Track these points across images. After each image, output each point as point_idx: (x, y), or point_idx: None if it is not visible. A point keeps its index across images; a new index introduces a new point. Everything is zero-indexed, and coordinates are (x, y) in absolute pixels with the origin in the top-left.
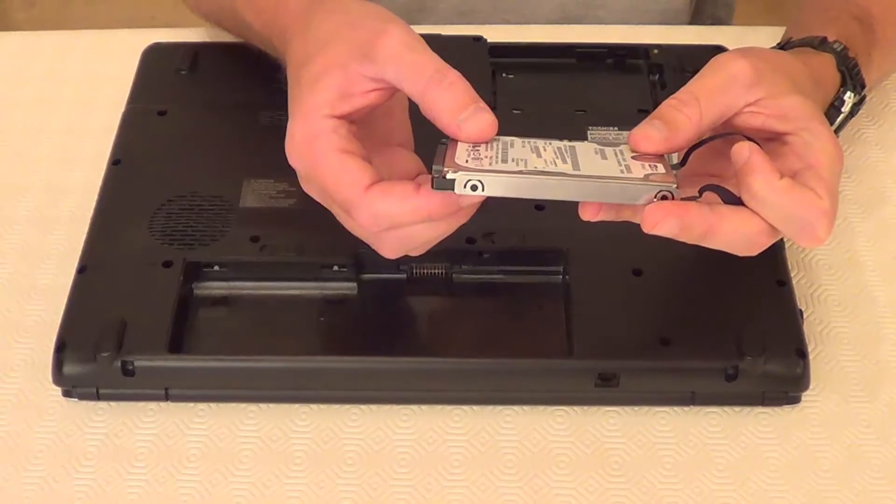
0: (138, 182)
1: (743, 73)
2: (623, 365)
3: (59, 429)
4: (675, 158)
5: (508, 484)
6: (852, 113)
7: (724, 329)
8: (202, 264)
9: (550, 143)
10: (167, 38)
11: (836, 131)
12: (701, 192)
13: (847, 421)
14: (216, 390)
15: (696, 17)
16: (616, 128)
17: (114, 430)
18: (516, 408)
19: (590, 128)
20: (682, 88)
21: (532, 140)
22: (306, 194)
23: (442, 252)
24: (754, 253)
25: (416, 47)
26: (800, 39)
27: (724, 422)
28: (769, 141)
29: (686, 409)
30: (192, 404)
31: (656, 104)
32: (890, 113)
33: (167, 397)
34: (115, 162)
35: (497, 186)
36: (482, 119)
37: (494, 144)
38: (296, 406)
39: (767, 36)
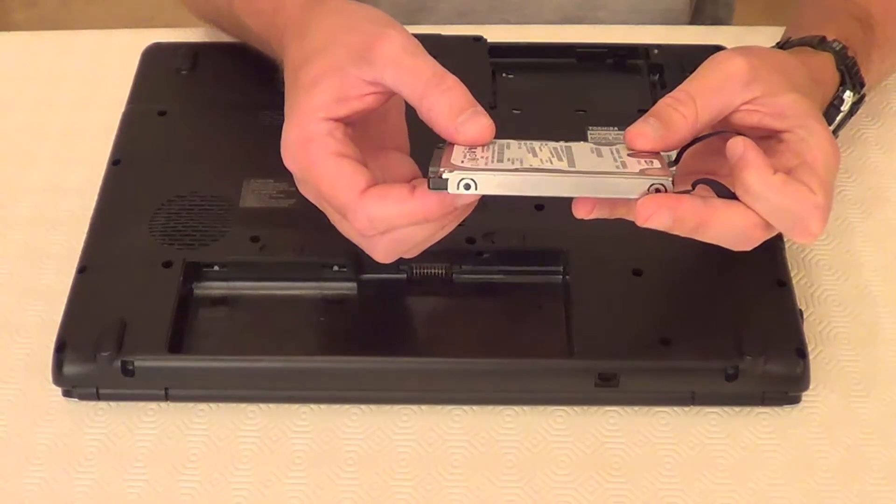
0: (138, 182)
1: (739, 72)
2: (623, 365)
3: (59, 429)
4: (673, 156)
5: (508, 484)
6: (852, 112)
7: (724, 329)
8: (202, 264)
9: (546, 144)
10: (167, 38)
11: (836, 130)
12: (694, 185)
13: (847, 421)
14: (216, 390)
15: (696, 17)
16: (616, 128)
17: (114, 430)
18: (516, 408)
19: (590, 128)
20: (679, 87)
21: (529, 142)
22: None
23: (442, 252)
24: (749, 248)
25: (414, 52)
26: (799, 39)
27: (724, 422)
28: (766, 139)
29: (686, 409)
30: (192, 404)
31: None
32: (890, 113)
33: (167, 397)
34: (115, 162)
35: (490, 184)
36: (480, 122)
37: (491, 147)
38: (296, 406)
39: (767, 36)
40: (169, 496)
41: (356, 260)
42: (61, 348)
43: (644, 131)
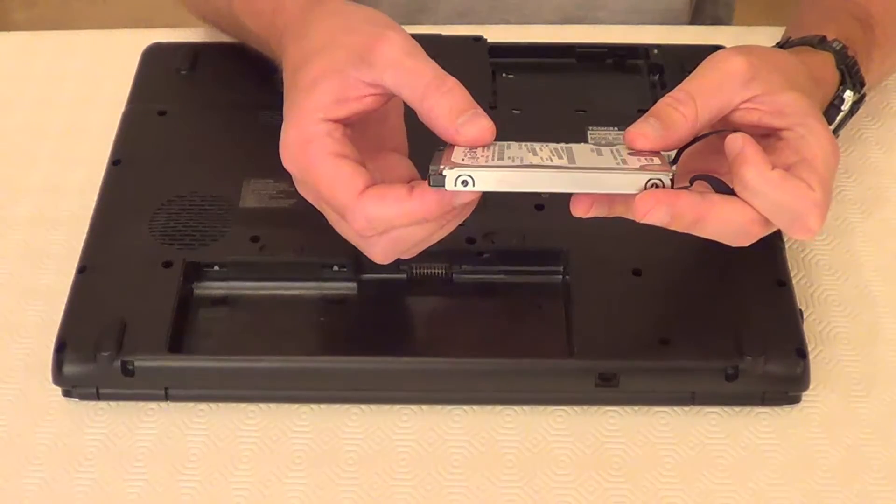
0: (138, 182)
1: (739, 71)
2: (623, 365)
3: (59, 429)
4: (672, 155)
5: (508, 484)
6: (852, 111)
7: (724, 329)
8: (202, 264)
9: (547, 145)
10: (167, 38)
11: (837, 130)
12: (691, 181)
13: (847, 421)
14: (216, 390)
15: (696, 17)
16: (616, 128)
17: (114, 430)
18: (516, 408)
19: (590, 128)
20: (678, 86)
21: (529, 143)
22: None
23: (442, 252)
24: (747, 243)
25: (414, 54)
26: (799, 39)
27: (724, 422)
28: (765, 137)
29: (686, 409)
30: (192, 404)
31: None
32: (890, 113)
33: (167, 397)
34: (115, 162)
35: (489, 180)
36: (480, 123)
37: (491, 147)
38: (296, 406)
39: (767, 36)
40: (169, 496)
41: (356, 260)
42: (61, 348)
43: (644, 131)
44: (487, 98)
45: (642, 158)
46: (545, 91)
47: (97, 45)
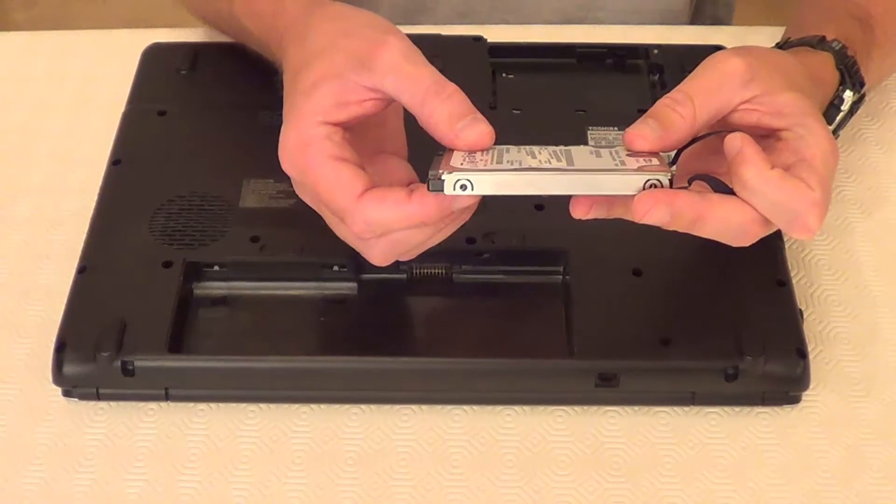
0: (138, 182)
1: (737, 71)
2: (623, 365)
3: (59, 429)
4: (671, 157)
5: (508, 484)
6: (852, 111)
7: (724, 329)
8: (202, 264)
9: (546, 148)
10: (167, 38)
11: (836, 130)
12: (690, 181)
13: (847, 421)
14: (216, 390)
15: (696, 17)
16: (616, 128)
17: (114, 430)
18: (516, 408)
19: (590, 128)
20: (677, 87)
21: (528, 146)
22: None
23: (442, 252)
24: (747, 243)
25: (414, 59)
26: (798, 39)
27: (724, 422)
28: (765, 138)
29: (686, 409)
30: (192, 404)
31: None
32: (890, 113)
33: (167, 397)
34: (115, 162)
35: (487, 184)
36: (479, 128)
37: (490, 151)
38: (296, 406)
39: (767, 36)
40: (169, 496)
41: (356, 260)
42: (61, 348)
43: (643, 132)
44: (487, 98)
45: (641, 159)
46: (545, 91)
47: (97, 45)
